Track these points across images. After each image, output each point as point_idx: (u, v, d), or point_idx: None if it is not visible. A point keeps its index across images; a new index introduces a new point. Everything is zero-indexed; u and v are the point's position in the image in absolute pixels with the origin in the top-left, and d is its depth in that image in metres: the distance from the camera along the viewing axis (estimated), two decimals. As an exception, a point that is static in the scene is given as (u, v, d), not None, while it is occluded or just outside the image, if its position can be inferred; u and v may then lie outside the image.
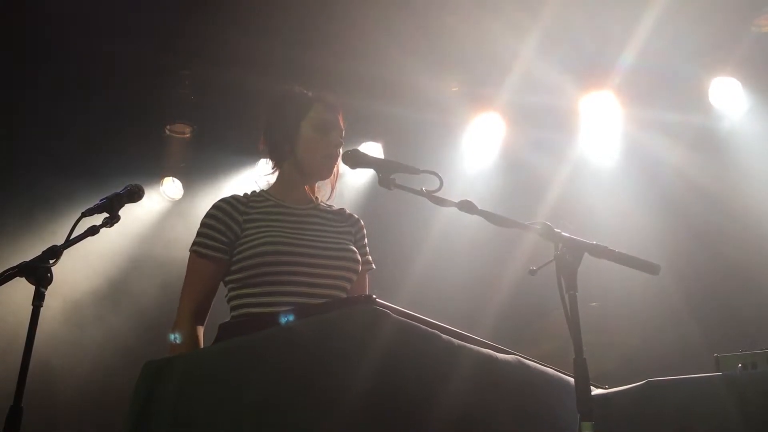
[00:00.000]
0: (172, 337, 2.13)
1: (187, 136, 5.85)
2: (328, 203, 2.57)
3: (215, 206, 2.39)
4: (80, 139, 5.39)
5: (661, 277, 1.83)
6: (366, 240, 2.57)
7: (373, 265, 2.56)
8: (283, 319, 1.62)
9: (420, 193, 2.07)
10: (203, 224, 2.36)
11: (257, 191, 2.51)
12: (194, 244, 2.34)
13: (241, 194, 2.46)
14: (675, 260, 4.58)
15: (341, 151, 2.42)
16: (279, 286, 2.23)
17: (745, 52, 4.88)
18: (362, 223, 2.58)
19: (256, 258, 2.24)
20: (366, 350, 1.45)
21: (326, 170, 2.46)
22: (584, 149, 5.42)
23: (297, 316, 1.66)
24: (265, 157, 2.57)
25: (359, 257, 2.43)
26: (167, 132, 5.82)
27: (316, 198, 2.54)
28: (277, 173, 2.52)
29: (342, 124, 2.49)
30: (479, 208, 2.00)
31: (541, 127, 5.39)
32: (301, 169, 2.45)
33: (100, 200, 2.32)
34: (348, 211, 2.59)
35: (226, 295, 2.35)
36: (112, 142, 5.43)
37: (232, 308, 2.31)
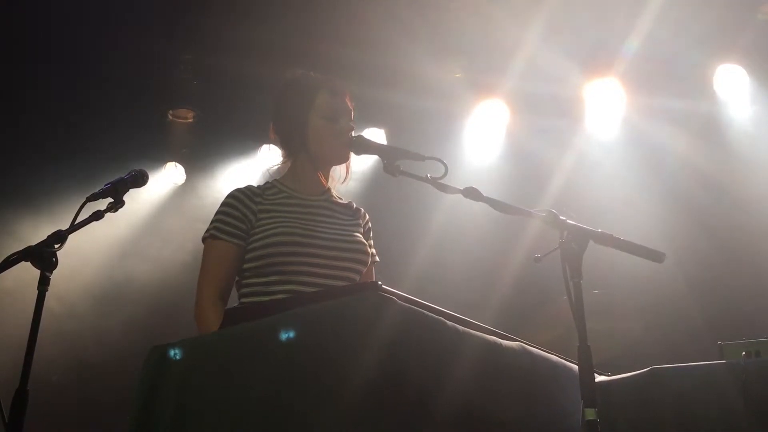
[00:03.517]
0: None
1: (190, 121, 5.84)
2: (338, 195, 2.55)
3: (230, 195, 2.38)
4: (84, 123, 5.38)
5: (664, 265, 1.83)
6: (371, 233, 2.57)
7: (377, 258, 2.56)
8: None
9: (425, 180, 2.07)
10: (219, 212, 2.36)
11: (270, 181, 2.49)
12: (209, 230, 2.34)
13: (255, 185, 2.45)
14: (679, 248, 4.58)
15: (353, 133, 2.40)
16: (291, 275, 2.23)
17: (751, 40, 4.86)
18: (368, 217, 2.58)
19: (271, 248, 2.24)
20: (371, 336, 1.45)
21: (340, 157, 2.45)
22: (588, 136, 5.40)
23: (301, 304, 1.65)
24: (276, 145, 2.56)
25: (369, 250, 2.43)
26: (170, 117, 5.81)
27: (329, 188, 2.52)
28: (289, 162, 2.49)
29: (350, 106, 2.46)
30: (484, 195, 2.00)
31: (545, 114, 5.38)
32: (315, 159, 2.43)
33: (105, 185, 2.32)
34: (355, 205, 2.58)
35: (237, 282, 2.35)
36: (116, 127, 5.42)
37: (242, 296, 2.32)
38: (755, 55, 4.96)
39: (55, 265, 2.12)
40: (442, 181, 2.06)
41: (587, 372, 1.65)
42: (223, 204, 2.37)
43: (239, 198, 2.36)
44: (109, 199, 2.31)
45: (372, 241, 2.56)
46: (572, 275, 1.74)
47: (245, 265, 2.30)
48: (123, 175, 2.37)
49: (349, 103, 2.46)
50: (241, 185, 2.44)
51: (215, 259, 2.31)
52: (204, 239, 2.35)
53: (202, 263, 2.33)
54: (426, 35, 4.97)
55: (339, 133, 2.38)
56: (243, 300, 2.30)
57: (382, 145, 2.31)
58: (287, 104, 2.46)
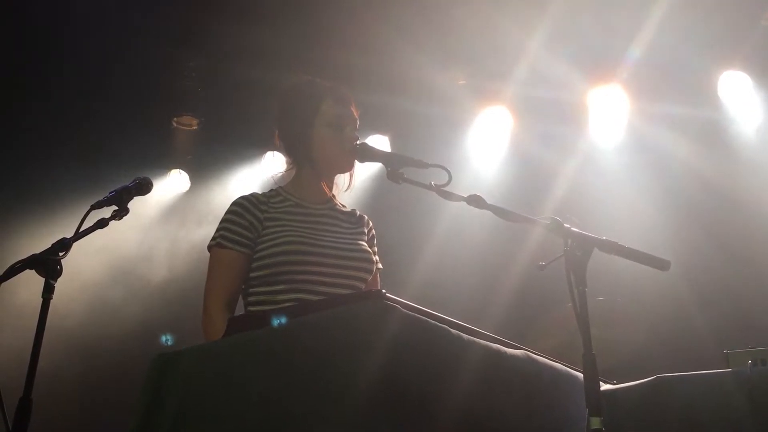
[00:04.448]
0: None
1: (194, 128, 5.85)
2: (341, 203, 2.55)
3: (236, 203, 2.37)
4: (88, 131, 5.40)
5: (669, 272, 1.82)
6: (375, 240, 2.57)
7: (380, 265, 2.56)
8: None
9: (429, 187, 2.06)
10: (225, 219, 2.34)
11: (274, 188, 2.48)
12: (215, 238, 2.31)
13: (260, 192, 2.44)
14: (683, 255, 4.56)
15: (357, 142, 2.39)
16: (299, 284, 2.22)
17: (755, 46, 4.86)
18: (372, 224, 2.58)
19: (280, 256, 2.23)
20: (375, 344, 1.45)
21: (345, 165, 2.44)
22: (592, 143, 5.40)
23: (306, 312, 1.65)
24: (281, 152, 2.56)
25: (374, 258, 2.43)
26: (174, 124, 5.82)
27: (333, 196, 2.51)
28: (294, 170, 2.49)
29: (356, 114, 2.45)
30: (488, 202, 1.99)
31: (549, 120, 5.37)
32: (319, 168, 2.43)
33: (110, 193, 2.32)
34: (359, 212, 2.58)
35: (243, 290, 2.34)
36: (120, 135, 5.43)
37: (248, 304, 2.31)
38: (759, 62, 4.95)
39: (59, 273, 2.12)
40: (445, 188, 2.05)
41: (592, 380, 1.64)
42: (229, 212, 2.36)
43: (245, 206, 2.34)
44: (114, 207, 2.31)
45: (376, 248, 2.56)
46: (577, 283, 1.74)
47: (252, 274, 2.29)
48: (127, 183, 2.37)
49: (354, 112, 2.45)
50: (246, 192, 2.43)
51: (222, 267, 2.29)
52: (210, 247, 2.34)
53: (209, 271, 2.31)
54: (430, 42, 4.97)
55: (343, 142, 2.37)
56: (250, 309, 2.29)
57: (386, 152, 2.31)
58: (292, 110, 2.45)
